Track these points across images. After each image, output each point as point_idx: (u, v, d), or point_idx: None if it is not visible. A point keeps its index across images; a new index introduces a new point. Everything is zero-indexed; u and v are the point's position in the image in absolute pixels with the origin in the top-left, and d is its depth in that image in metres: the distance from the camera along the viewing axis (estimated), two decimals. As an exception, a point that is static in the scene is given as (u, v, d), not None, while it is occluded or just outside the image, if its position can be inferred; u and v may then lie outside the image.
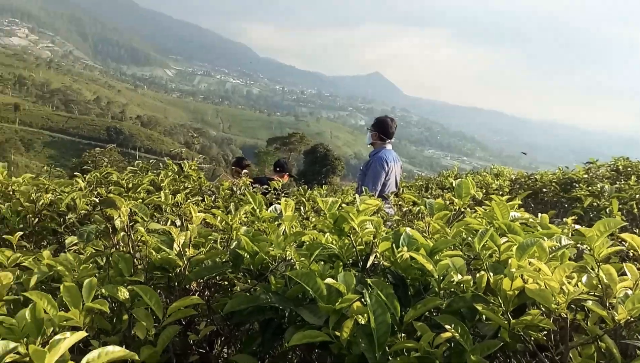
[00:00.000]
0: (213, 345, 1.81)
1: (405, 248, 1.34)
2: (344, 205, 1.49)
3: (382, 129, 4.73)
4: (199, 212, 1.90)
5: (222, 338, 1.83)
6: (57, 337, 0.98)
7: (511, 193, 4.94)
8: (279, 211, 2.08)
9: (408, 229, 1.39)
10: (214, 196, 3.74)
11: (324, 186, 4.38)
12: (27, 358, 1.14)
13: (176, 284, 1.65)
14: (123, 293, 1.46)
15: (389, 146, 4.75)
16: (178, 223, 2.51)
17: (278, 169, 6.76)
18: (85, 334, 1.01)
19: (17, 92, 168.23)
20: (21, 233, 2.18)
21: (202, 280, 1.74)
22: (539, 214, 1.68)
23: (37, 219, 2.92)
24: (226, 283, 1.84)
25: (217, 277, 1.80)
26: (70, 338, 0.96)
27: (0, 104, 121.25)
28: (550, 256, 1.22)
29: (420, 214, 3.10)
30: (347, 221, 1.44)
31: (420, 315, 1.21)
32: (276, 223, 1.93)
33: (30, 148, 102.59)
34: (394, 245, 1.36)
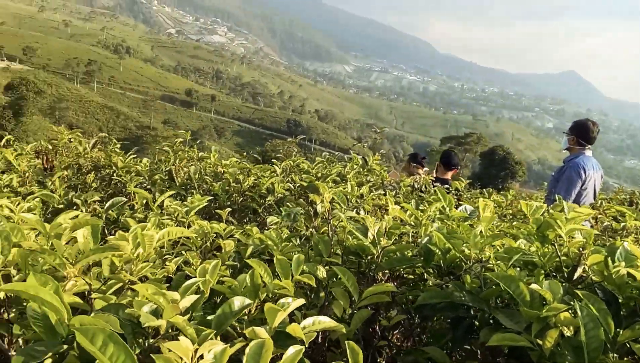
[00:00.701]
0: (388, 335, 1.87)
1: (622, 263, 1.22)
2: (552, 211, 1.41)
3: (582, 133, 4.30)
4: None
5: (397, 331, 1.88)
6: (282, 300, 1.12)
7: None
8: (469, 212, 2.05)
9: (626, 243, 1.27)
10: (394, 191, 3.82)
11: (510, 191, 4.14)
12: (246, 317, 1.33)
13: (367, 271, 1.74)
14: (321, 272, 1.59)
15: (588, 153, 4.30)
16: (362, 213, 2.63)
17: (453, 167, 5.69)
18: (304, 301, 1.13)
19: (214, 84, 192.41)
20: (230, 209, 2.49)
21: (387, 271, 1.80)
22: None
23: (241, 199, 3.32)
24: (411, 277, 1.87)
25: (402, 270, 1.85)
26: (294, 303, 1.09)
27: (200, 94, 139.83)
28: None
29: (624, 232, 2.77)
30: (552, 228, 1.37)
31: (637, 337, 1.10)
32: (467, 222, 1.92)
33: (222, 136, 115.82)
34: (609, 258, 1.25)
